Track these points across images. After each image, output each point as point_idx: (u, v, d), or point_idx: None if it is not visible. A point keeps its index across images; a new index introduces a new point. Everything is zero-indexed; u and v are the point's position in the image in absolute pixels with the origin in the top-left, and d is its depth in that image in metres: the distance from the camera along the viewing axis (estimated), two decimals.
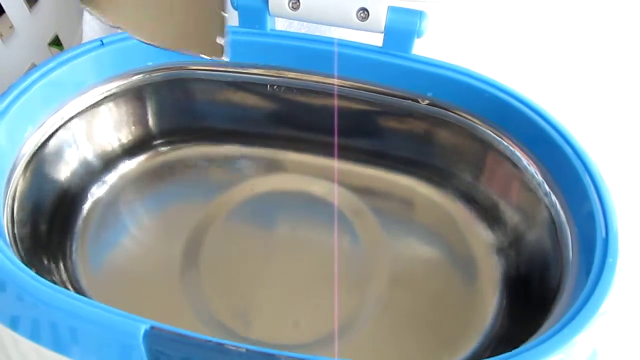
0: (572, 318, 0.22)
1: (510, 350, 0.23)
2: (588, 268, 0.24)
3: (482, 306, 0.30)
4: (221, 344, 0.21)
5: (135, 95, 0.35)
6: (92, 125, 0.34)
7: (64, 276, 0.31)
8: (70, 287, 0.30)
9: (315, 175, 0.36)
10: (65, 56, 0.31)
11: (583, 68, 0.39)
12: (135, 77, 0.34)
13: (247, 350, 0.21)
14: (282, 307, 0.31)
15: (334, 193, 0.35)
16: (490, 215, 0.33)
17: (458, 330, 0.29)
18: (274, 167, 0.37)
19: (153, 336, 0.21)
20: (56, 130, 0.32)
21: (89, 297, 0.30)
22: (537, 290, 0.29)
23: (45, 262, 0.30)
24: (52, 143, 0.32)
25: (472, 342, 0.29)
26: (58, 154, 0.32)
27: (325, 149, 0.37)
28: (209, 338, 0.21)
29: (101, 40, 0.32)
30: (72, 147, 0.33)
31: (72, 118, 0.32)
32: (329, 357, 0.29)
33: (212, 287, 0.31)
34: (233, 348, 0.21)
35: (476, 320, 0.30)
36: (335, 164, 0.36)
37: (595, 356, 0.22)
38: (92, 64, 0.32)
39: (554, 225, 0.28)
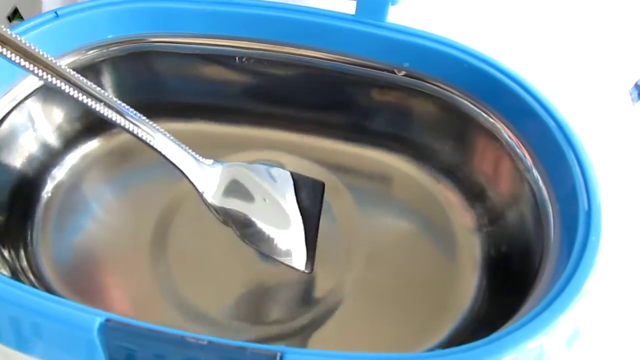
0: (554, 299, 0.22)
1: (490, 332, 0.22)
2: (570, 247, 0.24)
3: (462, 287, 0.30)
4: (182, 336, 0.20)
5: (93, 71, 0.33)
6: (48, 104, 0.32)
7: (25, 264, 0.30)
8: (31, 276, 0.29)
9: (288, 151, 0.35)
10: (15, 30, 0.29)
11: (567, 37, 0.39)
12: (92, 52, 0.33)
13: (210, 342, 0.20)
14: (255, 289, 0.30)
15: (307, 170, 0.34)
16: (470, 191, 0.33)
17: (436, 312, 0.29)
18: (244, 143, 0.36)
19: (109, 329, 0.20)
20: (9, 112, 0.30)
21: (52, 287, 0.29)
22: (517, 270, 0.28)
23: (5, 252, 0.29)
24: (5, 126, 0.30)
25: (451, 324, 0.28)
26: (13, 137, 0.31)
27: (297, 124, 0.36)
28: (170, 330, 0.21)
29: (55, 12, 0.31)
30: (28, 129, 0.32)
31: (26, 98, 0.31)
32: (304, 340, 0.28)
33: (183, 269, 0.30)
34: (194, 340, 0.20)
35: (455, 301, 0.29)
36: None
37: (578, 335, 0.22)
38: (45, 38, 0.30)
39: (535, 203, 0.28)
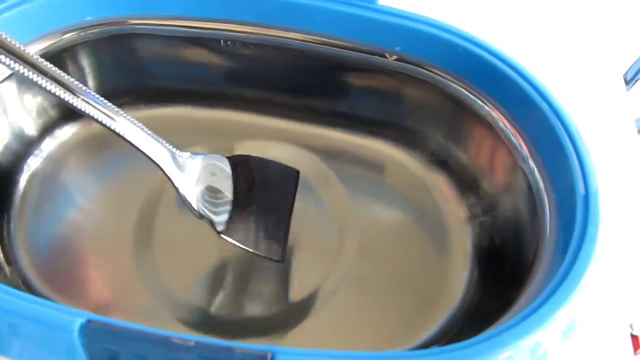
0: (553, 293, 0.21)
1: (482, 324, 0.23)
2: (567, 238, 0.23)
3: (453, 279, 0.30)
4: (167, 337, 0.19)
5: (70, 55, 0.32)
6: (22, 90, 0.31)
7: (1, 259, 0.29)
8: (7, 270, 0.29)
9: (276, 138, 0.34)
10: None
11: (563, 22, 0.38)
12: (68, 35, 0.31)
13: (197, 343, 0.19)
14: (243, 281, 0.29)
15: (296, 157, 0.33)
16: (463, 180, 0.32)
17: (427, 304, 0.29)
18: (230, 130, 0.35)
19: (91, 330, 0.20)
20: None
21: (31, 282, 0.28)
22: (511, 262, 0.28)
23: None
24: None
25: (442, 317, 0.28)
26: None
27: (285, 110, 0.35)
28: (154, 331, 0.20)
29: None
30: (1, 116, 0.31)
31: None
32: (293, 334, 0.28)
33: (167, 260, 0.30)
34: (180, 341, 0.19)
35: (447, 294, 0.29)
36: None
37: (574, 327, 0.22)
38: (17, 20, 0.29)
39: (531, 193, 0.27)
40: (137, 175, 0.32)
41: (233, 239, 0.28)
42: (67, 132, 0.34)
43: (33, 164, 0.32)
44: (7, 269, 0.28)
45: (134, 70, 0.34)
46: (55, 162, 0.33)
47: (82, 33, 0.32)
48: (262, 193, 0.30)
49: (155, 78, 0.35)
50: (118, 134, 0.25)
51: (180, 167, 0.27)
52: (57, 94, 0.23)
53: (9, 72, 0.30)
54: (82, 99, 0.24)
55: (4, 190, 0.31)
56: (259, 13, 0.32)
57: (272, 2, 0.31)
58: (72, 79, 0.23)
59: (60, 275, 0.29)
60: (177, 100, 0.35)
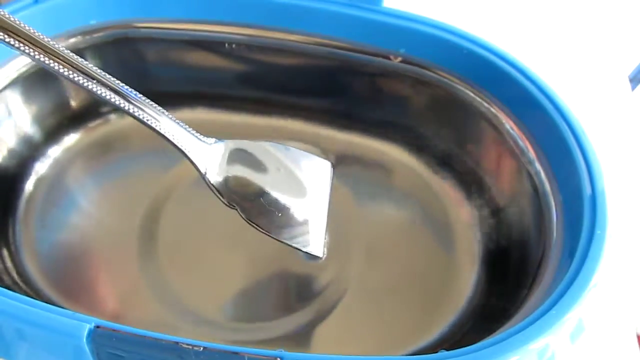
0: (561, 295, 0.21)
1: (489, 326, 0.23)
2: (574, 240, 0.23)
3: (460, 281, 0.29)
4: (176, 342, 0.19)
5: None
6: (28, 95, 0.31)
7: (8, 264, 0.29)
8: (15, 275, 0.29)
9: (281, 140, 0.34)
10: None
11: (568, 23, 0.38)
12: (74, 39, 0.31)
13: (205, 348, 0.19)
14: (250, 285, 0.29)
15: None
16: (470, 183, 0.32)
17: (434, 306, 0.29)
18: (234, 132, 0.35)
19: (99, 336, 0.20)
20: None
21: (38, 286, 0.28)
22: (518, 264, 0.28)
23: None
24: None
25: (448, 319, 0.28)
26: None
27: (291, 112, 0.35)
28: (163, 336, 0.20)
29: None
30: (7, 121, 0.31)
31: (4, 89, 0.30)
32: (303, 338, 0.28)
33: (173, 264, 0.30)
34: (189, 347, 0.19)
35: (453, 296, 0.29)
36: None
37: (582, 329, 0.21)
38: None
39: (537, 195, 0.27)
40: (143, 180, 0.32)
41: (267, 230, 0.26)
42: (72, 137, 0.34)
43: (39, 168, 0.32)
44: (14, 273, 0.28)
45: (139, 73, 0.34)
46: (61, 167, 0.33)
47: (87, 36, 0.32)
48: (297, 184, 0.28)
49: (160, 81, 0.35)
50: (141, 120, 0.24)
51: (204, 151, 0.26)
52: (66, 73, 0.22)
53: (13, 77, 0.30)
54: (97, 80, 0.23)
55: (10, 195, 0.31)
56: (263, 15, 0.32)
57: (277, 4, 0.31)
58: (85, 62, 0.23)
59: (66, 279, 0.29)
60: (181, 103, 0.35)
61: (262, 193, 0.27)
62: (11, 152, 0.31)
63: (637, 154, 0.37)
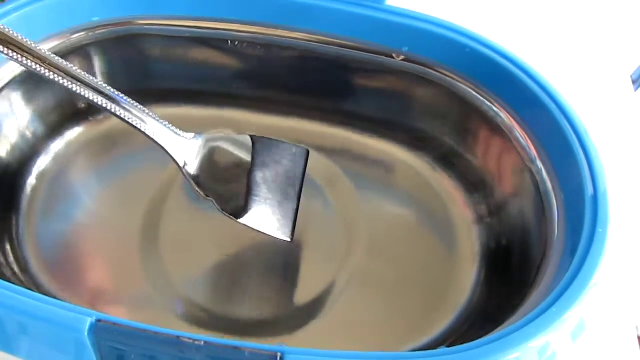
0: (562, 293, 0.21)
1: (489, 324, 0.23)
2: (576, 239, 0.23)
3: (460, 279, 0.29)
4: (177, 337, 0.20)
5: (79, 55, 0.32)
6: (31, 91, 0.31)
7: (11, 258, 0.29)
8: (17, 269, 0.29)
9: (284, 137, 0.33)
10: None
11: (571, 23, 0.38)
12: (77, 35, 0.31)
13: (206, 342, 0.19)
14: (252, 279, 0.29)
15: None
16: (471, 181, 0.32)
17: (435, 304, 0.29)
18: (237, 129, 0.35)
19: (100, 330, 0.20)
20: None
21: (40, 280, 0.28)
22: (519, 263, 0.28)
23: None
24: None
25: (449, 316, 0.28)
26: None
27: (293, 110, 0.35)
28: (164, 330, 0.20)
29: None
30: (9, 117, 0.31)
31: (6, 85, 0.30)
32: (302, 333, 0.28)
33: (175, 259, 0.30)
34: (190, 341, 0.19)
35: (454, 294, 0.29)
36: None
37: (583, 327, 0.21)
38: (26, 20, 0.29)
39: (539, 194, 0.27)
40: (145, 175, 0.33)
41: (239, 218, 0.28)
42: (74, 132, 0.34)
43: (41, 164, 0.32)
44: (16, 267, 0.28)
45: (142, 70, 0.34)
46: (63, 162, 0.33)
47: (90, 33, 0.32)
48: (271, 173, 0.29)
49: (163, 78, 0.35)
50: (116, 115, 0.25)
51: (182, 145, 0.27)
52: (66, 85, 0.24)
53: (15, 73, 0.30)
54: (76, 81, 0.24)
55: (13, 190, 0.31)
56: (266, 13, 0.32)
57: (280, 2, 0.31)
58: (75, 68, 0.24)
59: (68, 274, 0.29)
60: (184, 100, 0.35)
61: (236, 183, 0.29)
62: (14, 147, 0.31)
63: (639, 153, 0.37)
